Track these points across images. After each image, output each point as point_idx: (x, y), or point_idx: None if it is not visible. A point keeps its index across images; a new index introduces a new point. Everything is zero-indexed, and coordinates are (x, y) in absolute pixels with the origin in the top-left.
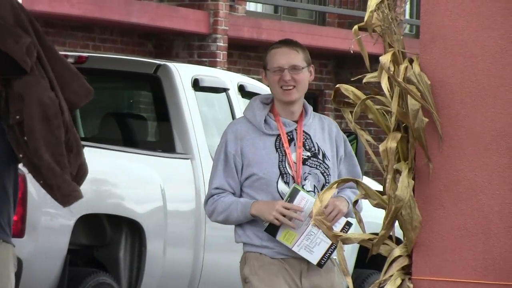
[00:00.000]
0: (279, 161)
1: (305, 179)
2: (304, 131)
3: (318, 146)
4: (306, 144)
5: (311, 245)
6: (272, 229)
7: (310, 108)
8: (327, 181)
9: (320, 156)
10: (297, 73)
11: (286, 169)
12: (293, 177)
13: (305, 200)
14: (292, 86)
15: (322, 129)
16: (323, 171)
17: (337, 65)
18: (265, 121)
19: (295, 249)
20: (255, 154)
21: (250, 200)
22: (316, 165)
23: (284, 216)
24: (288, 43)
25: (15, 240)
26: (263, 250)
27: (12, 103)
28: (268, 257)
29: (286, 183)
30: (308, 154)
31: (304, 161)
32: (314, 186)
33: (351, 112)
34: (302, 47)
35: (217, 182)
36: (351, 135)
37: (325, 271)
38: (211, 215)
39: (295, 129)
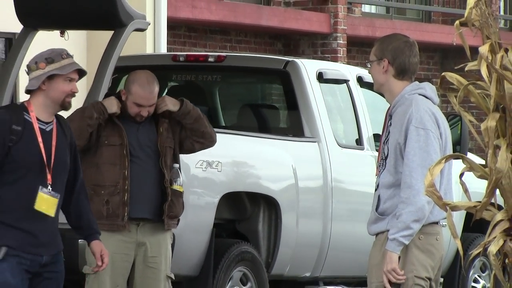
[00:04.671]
0: None
1: None
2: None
3: None
4: None
5: None
6: None
7: None
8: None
9: None
10: (369, 67)
11: None
12: None
13: None
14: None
15: None
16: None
17: (442, 57)
18: None
19: None
20: None
21: None
22: None
23: None
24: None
25: None
26: None
27: None
28: None
29: None
30: None
31: None
32: None
33: (456, 97)
34: (379, 40)
35: None
36: (455, 117)
37: None
38: None
39: None
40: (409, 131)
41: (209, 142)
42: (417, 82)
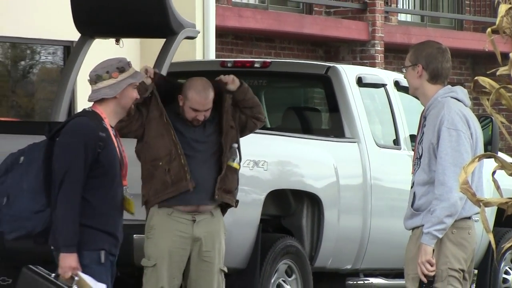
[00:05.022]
0: None
1: None
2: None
3: None
4: None
5: None
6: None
7: None
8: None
9: None
10: (405, 72)
11: None
12: None
13: None
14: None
15: None
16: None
17: (473, 62)
18: None
19: None
20: None
21: None
22: None
23: None
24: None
25: None
26: None
27: None
28: None
29: None
30: None
31: None
32: None
33: (488, 99)
34: (413, 47)
35: None
36: (486, 118)
37: None
38: None
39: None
40: (442, 132)
41: (263, 116)
42: (449, 86)
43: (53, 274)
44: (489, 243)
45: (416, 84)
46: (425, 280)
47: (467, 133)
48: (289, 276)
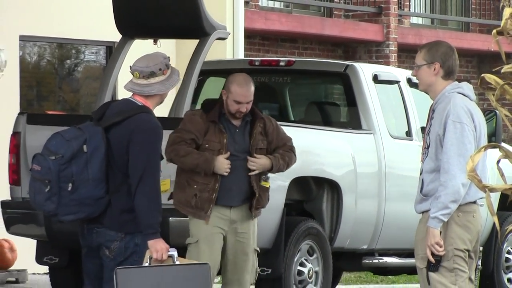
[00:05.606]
0: None
1: None
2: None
3: None
4: None
5: None
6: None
7: None
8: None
9: None
10: (416, 70)
11: None
12: None
13: None
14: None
15: None
16: None
17: (479, 61)
18: None
19: None
20: None
21: None
22: None
23: None
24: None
25: None
26: None
27: None
28: None
29: None
30: None
31: None
32: None
33: (493, 94)
34: (425, 47)
35: None
36: (491, 112)
37: None
38: None
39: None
40: (447, 125)
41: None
42: (456, 82)
43: (146, 263)
44: (494, 225)
45: (431, 80)
46: (433, 260)
47: (471, 126)
48: (311, 256)
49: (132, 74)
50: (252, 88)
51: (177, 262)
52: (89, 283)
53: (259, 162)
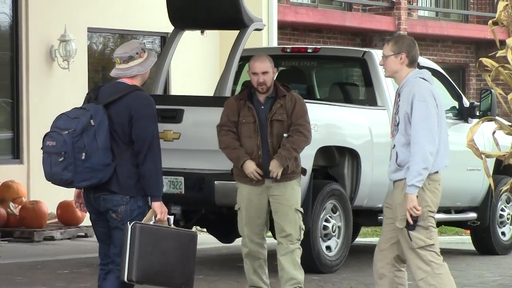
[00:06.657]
0: None
1: None
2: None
3: None
4: None
5: None
6: None
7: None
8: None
9: None
10: (384, 59)
11: None
12: None
13: None
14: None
15: None
16: None
17: (476, 48)
18: None
19: None
20: None
21: None
22: None
23: None
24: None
25: None
26: None
27: None
28: None
29: None
30: None
31: None
32: None
33: (489, 76)
34: (391, 40)
35: None
36: (487, 90)
37: None
38: None
39: None
40: (414, 104)
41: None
42: (418, 69)
43: (152, 222)
44: (489, 186)
45: (397, 68)
46: (411, 221)
47: (433, 103)
48: (334, 213)
49: (115, 62)
50: (267, 62)
51: (172, 226)
52: (102, 246)
53: (274, 166)
